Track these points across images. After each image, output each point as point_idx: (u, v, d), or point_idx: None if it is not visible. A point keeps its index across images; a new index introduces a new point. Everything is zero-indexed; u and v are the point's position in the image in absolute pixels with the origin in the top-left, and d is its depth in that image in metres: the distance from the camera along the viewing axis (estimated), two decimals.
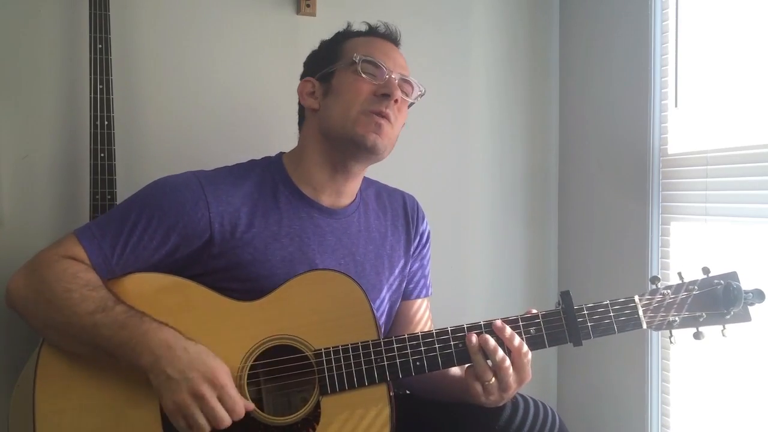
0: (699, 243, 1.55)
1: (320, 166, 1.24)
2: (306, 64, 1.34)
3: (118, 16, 1.55)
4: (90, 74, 1.47)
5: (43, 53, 1.56)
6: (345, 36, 1.29)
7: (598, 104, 1.87)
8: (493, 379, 1.08)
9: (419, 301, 1.38)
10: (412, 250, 1.35)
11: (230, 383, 1.01)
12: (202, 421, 0.99)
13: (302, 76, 1.32)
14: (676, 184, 1.62)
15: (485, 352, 1.08)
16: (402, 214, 1.36)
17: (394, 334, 1.20)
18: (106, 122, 1.48)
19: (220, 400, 1.00)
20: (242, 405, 1.02)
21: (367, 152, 1.20)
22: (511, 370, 1.08)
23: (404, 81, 1.24)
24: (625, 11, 1.75)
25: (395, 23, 1.32)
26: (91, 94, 1.47)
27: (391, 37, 1.29)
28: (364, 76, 1.20)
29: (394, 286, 1.32)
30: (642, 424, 1.69)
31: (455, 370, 1.20)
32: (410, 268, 1.36)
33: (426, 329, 1.31)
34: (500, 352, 1.08)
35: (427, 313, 1.40)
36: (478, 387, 1.09)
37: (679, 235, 1.62)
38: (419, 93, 1.28)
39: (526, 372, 1.10)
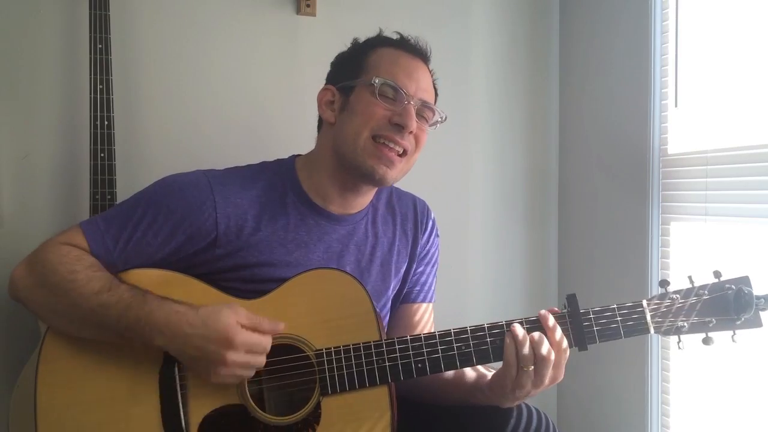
0: (699, 243, 1.55)
1: (331, 181, 1.21)
2: (331, 70, 1.28)
3: (118, 16, 1.55)
4: (90, 74, 1.48)
5: (43, 53, 1.56)
6: (372, 45, 1.22)
7: (598, 104, 1.87)
8: (532, 369, 1.05)
9: (424, 305, 1.35)
10: (418, 254, 1.33)
11: (242, 333, 1.00)
12: (246, 373, 1.02)
13: (327, 81, 1.26)
14: (676, 184, 1.63)
15: (530, 345, 1.04)
16: (411, 218, 1.33)
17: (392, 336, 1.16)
18: (106, 122, 1.48)
19: (247, 350, 1.00)
20: (268, 339, 1.02)
21: (376, 183, 1.19)
22: (552, 364, 1.05)
23: (425, 106, 1.19)
24: (625, 11, 1.75)
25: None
26: (91, 94, 1.48)
27: (419, 52, 1.22)
28: (380, 99, 1.15)
29: (398, 292, 1.31)
30: (642, 424, 1.69)
31: (468, 372, 1.18)
32: (414, 272, 1.34)
33: None
34: (546, 344, 1.04)
35: (431, 319, 1.37)
36: (508, 382, 1.06)
37: (679, 235, 1.62)
38: (439, 119, 1.23)
39: (561, 369, 1.07)
